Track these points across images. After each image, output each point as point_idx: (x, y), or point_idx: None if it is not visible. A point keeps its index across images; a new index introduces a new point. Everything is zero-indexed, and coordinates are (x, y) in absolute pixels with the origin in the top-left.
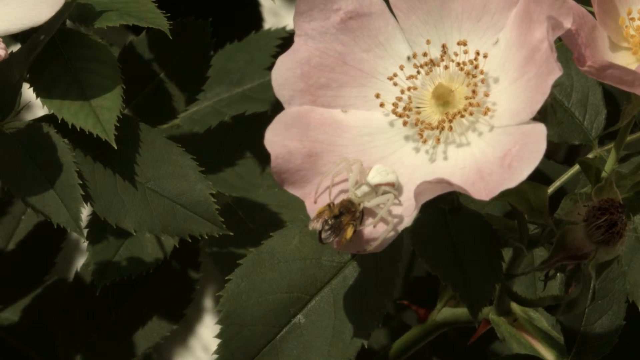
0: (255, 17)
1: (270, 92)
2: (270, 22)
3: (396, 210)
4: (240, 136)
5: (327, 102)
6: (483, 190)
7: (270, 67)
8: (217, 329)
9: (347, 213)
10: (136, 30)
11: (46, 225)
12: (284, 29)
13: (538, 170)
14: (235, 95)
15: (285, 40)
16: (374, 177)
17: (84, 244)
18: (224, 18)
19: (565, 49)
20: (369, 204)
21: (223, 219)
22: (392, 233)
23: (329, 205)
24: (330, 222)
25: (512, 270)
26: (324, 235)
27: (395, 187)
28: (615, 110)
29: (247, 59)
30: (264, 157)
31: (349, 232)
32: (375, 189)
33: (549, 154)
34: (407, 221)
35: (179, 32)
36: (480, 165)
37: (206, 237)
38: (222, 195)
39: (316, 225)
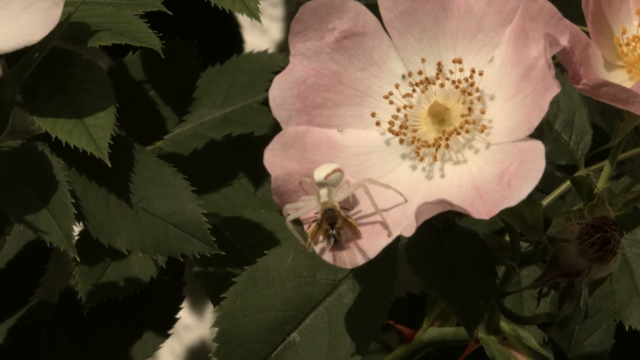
0: (236, 40)
1: (253, 115)
2: (250, 44)
3: (394, 230)
4: (226, 158)
5: (324, 121)
6: (483, 209)
7: (252, 91)
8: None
9: (335, 218)
10: (117, 55)
11: (30, 246)
12: (266, 52)
13: None
14: (217, 118)
15: (269, 64)
16: (319, 175)
17: (69, 265)
18: (205, 40)
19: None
20: (341, 196)
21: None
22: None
23: (317, 224)
24: (330, 233)
25: (503, 288)
26: (333, 244)
27: (342, 171)
28: (600, 137)
29: (229, 81)
30: (251, 178)
31: (353, 225)
32: (327, 181)
33: None
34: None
35: (166, 52)
36: (478, 183)
37: (198, 257)
38: (209, 217)
39: (323, 244)
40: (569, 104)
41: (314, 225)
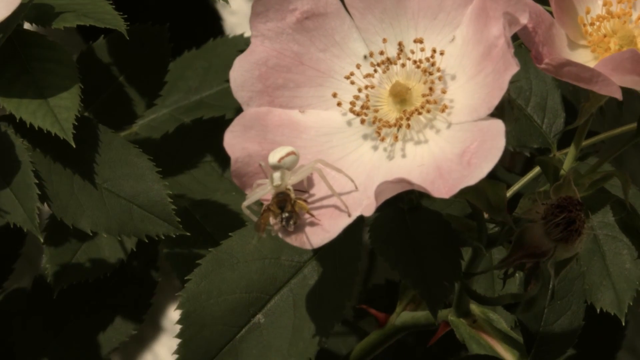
0: (214, 26)
1: (228, 100)
2: (229, 30)
3: (355, 210)
4: (198, 140)
5: (285, 102)
6: (443, 188)
7: (228, 75)
8: (174, 347)
9: (286, 201)
10: (90, 38)
11: (4, 231)
12: (242, 36)
13: (495, 177)
14: (193, 103)
15: (244, 48)
16: (273, 158)
17: (44, 251)
18: (184, 26)
19: (524, 51)
20: (295, 179)
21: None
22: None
23: (268, 208)
24: (282, 216)
25: (471, 270)
26: (286, 228)
27: (296, 154)
28: (571, 118)
29: (205, 66)
30: (221, 161)
31: (304, 207)
32: (281, 164)
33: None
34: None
35: (137, 37)
36: (439, 162)
37: (163, 238)
38: (179, 199)
39: (276, 227)
40: (542, 87)
41: (265, 213)
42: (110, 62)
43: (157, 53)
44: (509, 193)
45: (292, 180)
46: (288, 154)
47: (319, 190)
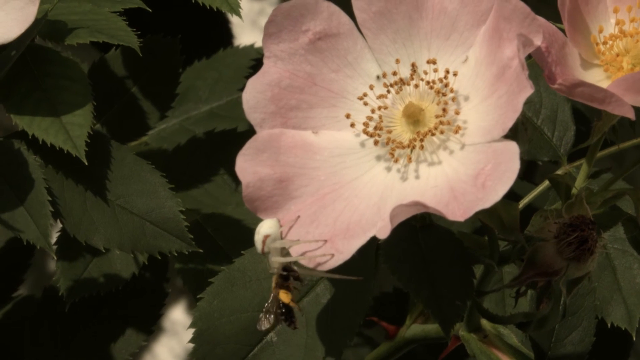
0: (224, 35)
1: (238, 110)
2: (239, 40)
3: (369, 231)
4: (210, 153)
5: (298, 123)
6: (457, 210)
7: (239, 85)
8: (174, 347)
9: (280, 287)
10: (103, 47)
11: (15, 242)
12: (252, 46)
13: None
14: (203, 113)
15: (254, 59)
16: (258, 247)
17: (54, 260)
18: (194, 36)
19: (535, 65)
20: (287, 259)
21: (192, 236)
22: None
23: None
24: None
25: (482, 287)
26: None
27: (271, 236)
28: (583, 127)
29: (215, 76)
30: (234, 175)
31: (288, 297)
32: (266, 251)
33: None
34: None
35: (149, 49)
36: (453, 184)
37: (175, 254)
38: (190, 213)
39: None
40: (552, 99)
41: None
42: (123, 73)
43: (169, 65)
44: (521, 205)
45: (287, 259)
46: (264, 240)
47: (331, 211)
